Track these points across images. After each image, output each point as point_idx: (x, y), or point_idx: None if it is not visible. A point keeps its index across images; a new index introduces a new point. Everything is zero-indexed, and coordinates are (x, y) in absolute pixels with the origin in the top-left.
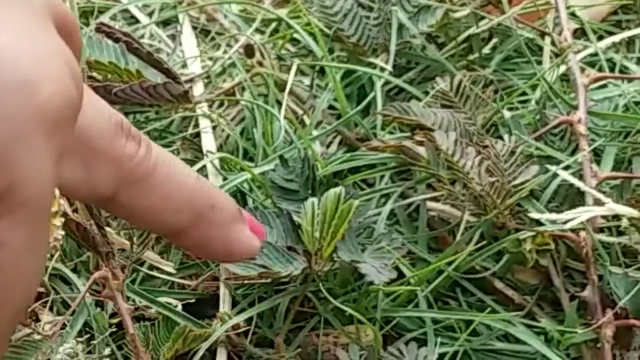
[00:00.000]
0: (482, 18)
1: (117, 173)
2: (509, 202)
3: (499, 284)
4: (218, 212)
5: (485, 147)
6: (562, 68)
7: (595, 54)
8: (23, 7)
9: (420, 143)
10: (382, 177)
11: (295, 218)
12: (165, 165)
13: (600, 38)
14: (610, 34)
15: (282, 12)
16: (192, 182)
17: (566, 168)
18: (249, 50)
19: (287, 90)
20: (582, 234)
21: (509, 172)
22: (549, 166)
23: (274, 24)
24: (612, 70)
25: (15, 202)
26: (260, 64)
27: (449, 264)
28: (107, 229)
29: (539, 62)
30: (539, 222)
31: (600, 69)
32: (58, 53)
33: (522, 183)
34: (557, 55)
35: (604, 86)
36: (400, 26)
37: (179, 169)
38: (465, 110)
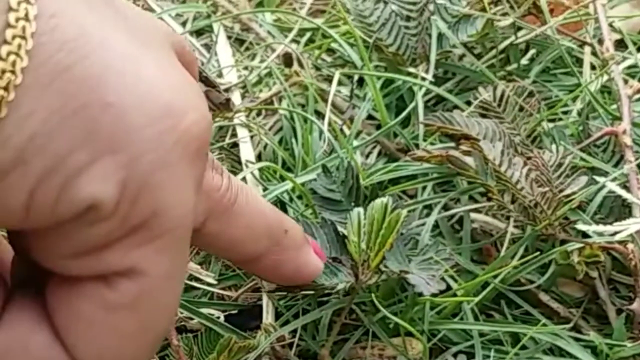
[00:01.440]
0: (520, 28)
1: (206, 204)
2: (559, 213)
3: (544, 297)
4: (290, 237)
5: (531, 157)
6: (603, 79)
7: (634, 66)
8: (155, 42)
9: (467, 153)
10: (424, 188)
11: (339, 228)
12: (243, 195)
13: (639, 49)
14: None
15: (318, 22)
16: (268, 209)
17: (611, 180)
18: (287, 59)
19: (330, 99)
20: (630, 246)
21: (558, 183)
22: (596, 177)
23: (308, 34)
24: None
25: (158, 231)
26: (298, 73)
27: (495, 276)
28: None
29: (579, 73)
30: (585, 234)
31: None
32: (192, 83)
33: (571, 194)
34: (595, 67)
35: None
36: (440, 36)
37: (255, 197)
38: (509, 121)
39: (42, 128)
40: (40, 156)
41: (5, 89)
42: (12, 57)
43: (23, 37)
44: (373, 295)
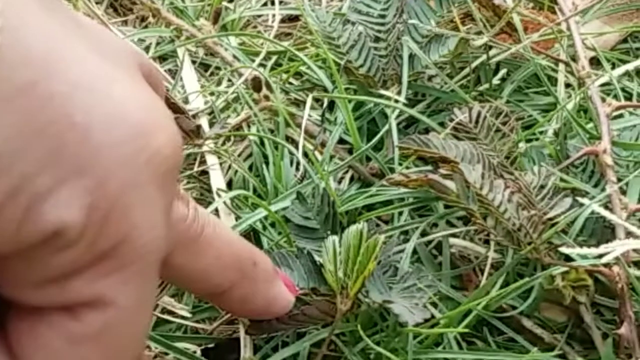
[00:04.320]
0: (491, 47)
1: (173, 235)
2: (545, 236)
3: (527, 322)
4: (260, 269)
5: (513, 180)
6: (579, 97)
7: (609, 83)
8: (123, 62)
9: (447, 177)
10: (400, 213)
11: (315, 258)
12: (210, 225)
13: (612, 66)
14: (622, 61)
15: (285, 45)
16: (236, 240)
17: (594, 201)
18: (255, 84)
19: (304, 124)
20: (616, 268)
21: (541, 205)
22: (580, 199)
23: (274, 57)
24: (628, 99)
25: (126, 258)
26: (267, 97)
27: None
28: None
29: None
30: (567, 258)
31: (616, 98)
32: (161, 105)
33: (555, 217)
34: (569, 85)
35: (621, 116)
36: (410, 56)
37: (222, 228)
38: (486, 143)
39: (5, 147)
40: (4, 177)
41: None
42: None
43: None
44: (359, 325)
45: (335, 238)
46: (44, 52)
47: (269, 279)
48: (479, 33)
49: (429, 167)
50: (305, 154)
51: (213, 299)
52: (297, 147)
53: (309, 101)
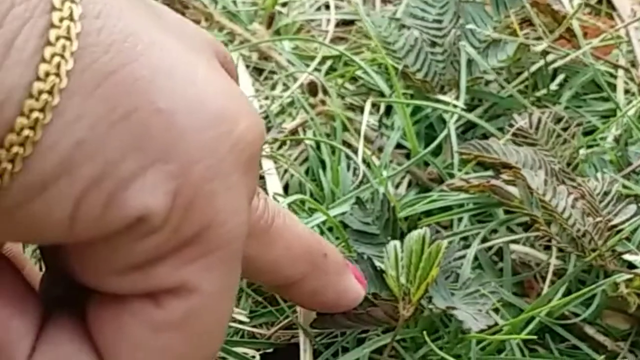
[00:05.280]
0: (548, 53)
1: None
2: (610, 243)
3: (589, 330)
4: (330, 261)
5: (575, 186)
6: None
7: None
8: (200, 48)
9: (509, 182)
10: (459, 219)
11: (376, 263)
12: (280, 216)
13: None
14: None
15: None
16: (306, 232)
17: None
18: (312, 88)
19: (363, 129)
20: None
21: (605, 212)
22: None
23: (329, 62)
24: None
25: (210, 245)
26: (323, 102)
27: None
28: None
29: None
30: (631, 265)
31: None
32: (240, 90)
33: (619, 223)
34: (628, 91)
35: None
36: (468, 62)
37: (293, 220)
38: (547, 148)
39: (90, 134)
40: (88, 164)
41: (50, 92)
42: (56, 59)
43: (68, 38)
44: (425, 332)
45: (397, 243)
46: (124, 37)
47: (339, 271)
48: (538, 38)
49: (489, 173)
50: (363, 159)
51: (283, 291)
52: (353, 152)
53: (368, 105)
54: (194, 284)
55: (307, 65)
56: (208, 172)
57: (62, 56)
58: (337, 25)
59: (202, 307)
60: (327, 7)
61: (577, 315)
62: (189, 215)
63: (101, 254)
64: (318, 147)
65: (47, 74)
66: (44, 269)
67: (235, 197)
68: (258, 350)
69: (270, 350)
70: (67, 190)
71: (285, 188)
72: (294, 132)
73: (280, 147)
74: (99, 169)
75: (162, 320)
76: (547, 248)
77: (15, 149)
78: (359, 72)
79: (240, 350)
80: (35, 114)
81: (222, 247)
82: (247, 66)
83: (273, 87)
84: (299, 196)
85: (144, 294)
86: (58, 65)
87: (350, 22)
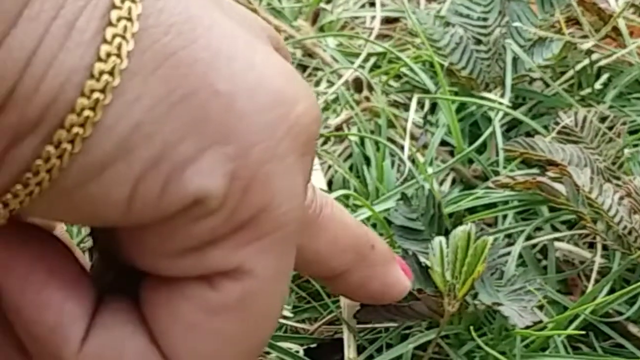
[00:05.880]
0: (593, 52)
1: None
2: None
3: (633, 329)
4: (377, 253)
5: (621, 185)
6: None
7: None
8: (255, 32)
9: (555, 179)
10: (504, 216)
11: (421, 259)
12: (328, 207)
13: None
14: None
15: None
16: (354, 223)
17: None
18: (357, 85)
19: (409, 126)
20: None
21: None
22: None
23: (373, 59)
24: None
25: (266, 228)
26: (368, 99)
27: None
28: None
29: None
30: None
31: None
32: (297, 74)
33: None
34: None
35: None
36: (513, 59)
37: (340, 210)
38: (593, 147)
39: (149, 115)
40: (146, 145)
41: (111, 73)
42: (117, 40)
43: (129, 19)
44: (471, 327)
45: (442, 239)
46: (184, 19)
47: (386, 263)
48: (583, 37)
49: (533, 171)
50: (412, 156)
51: (330, 282)
52: (398, 148)
53: (414, 102)
54: (249, 266)
55: (352, 63)
56: (265, 154)
57: (124, 37)
58: (381, 23)
59: (257, 289)
60: (371, 4)
61: (621, 313)
62: (246, 197)
63: (157, 237)
64: (362, 143)
65: (109, 55)
66: (94, 257)
67: (291, 180)
68: (302, 345)
69: (314, 345)
70: (125, 171)
71: (329, 184)
72: (338, 128)
73: (324, 144)
74: (157, 150)
75: (216, 303)
76: (591, 246)
77: (75, 130)
78: (403, 70)
79: (284, 345)
80: (95, 95)
81: (277, 230)
82: (292, 63)
83: (317, 84)
84: (344, 191)
85: (198, 277)
86: (119, 46)
87: (394, 20)
